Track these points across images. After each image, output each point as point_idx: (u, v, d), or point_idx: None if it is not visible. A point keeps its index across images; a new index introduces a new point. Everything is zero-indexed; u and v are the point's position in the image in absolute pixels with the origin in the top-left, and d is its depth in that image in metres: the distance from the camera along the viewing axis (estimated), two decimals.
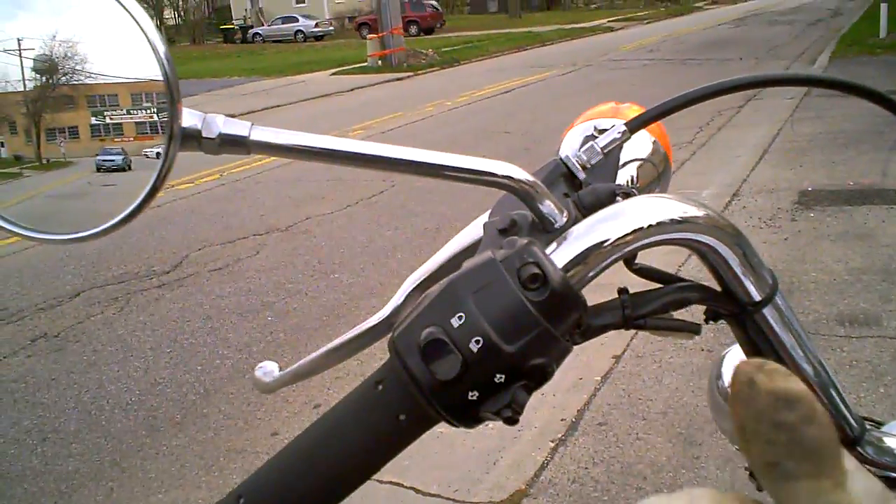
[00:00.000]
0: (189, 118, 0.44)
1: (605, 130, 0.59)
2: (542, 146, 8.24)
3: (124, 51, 0.45)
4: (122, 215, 0.45)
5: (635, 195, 0.49)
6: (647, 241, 0.46)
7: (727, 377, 0.67)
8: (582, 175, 0.56)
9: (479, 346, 0.40)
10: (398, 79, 17.91)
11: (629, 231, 0.45)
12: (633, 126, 0.57)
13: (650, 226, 0.45)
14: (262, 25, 42.01)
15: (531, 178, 0.49)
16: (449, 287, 0.42)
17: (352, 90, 16.35)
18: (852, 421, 0.54)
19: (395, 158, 0.47)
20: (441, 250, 0.63)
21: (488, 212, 0.57)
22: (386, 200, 6.59)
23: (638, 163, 0.65)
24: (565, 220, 0.50)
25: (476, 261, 0.43)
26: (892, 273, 4.01)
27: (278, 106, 14.71)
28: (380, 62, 19.89)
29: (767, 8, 34.34)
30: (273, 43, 37.91)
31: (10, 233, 0.47)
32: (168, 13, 49.89)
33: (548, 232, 0.49)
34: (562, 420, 3.01)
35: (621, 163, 0.62)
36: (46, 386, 3.68)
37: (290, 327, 4.17)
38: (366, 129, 10.73)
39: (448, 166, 0.48)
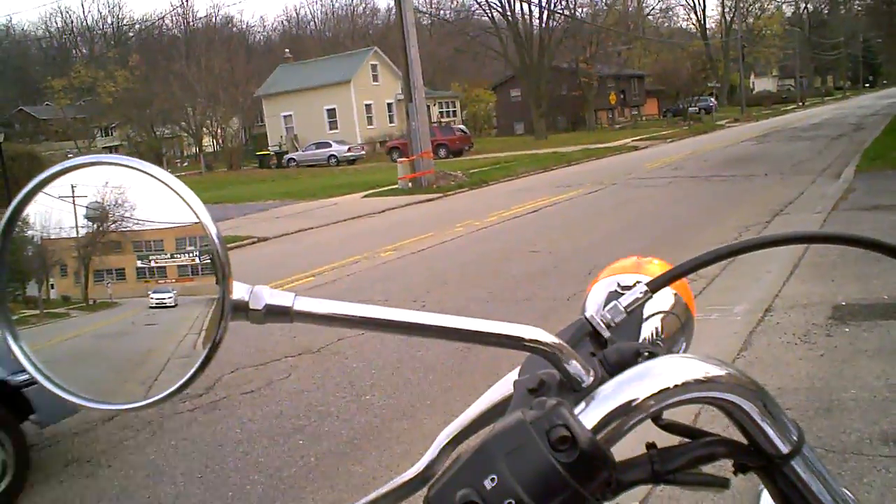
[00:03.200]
0: (237, 290, 0.48)
1: (629, 288, 0.61)
2: (569, 264, 8.30)
3: (168, 200, 0.49)
4: (173, 388, 0.48)
5: (659, 354, 0.51)
6: (672, 400, 0.48)
7: None
8: (607, 334, 0.58)
9: None
10: (428, 200, 18.33)
11: (654, 392, 0.47)
12: (655, 286, 0.59)
13: (674, 386, 0.47)
14: (297, 151, 43.46)
15: (557, 341, 0.51)
16: (482, 448, 0.44)
17: (383, 211, 16.72)
18: None
19: (429, 325, 0.51)
20: (473, 405, 0.64)
21: (518, 368, 0.59)
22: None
23: (661, 315, 0.67)
24: (592, 379, 0.51)
25: (507, 422, 0.45)
26: None
27: (311, 228, 15.03)
28: (410, 184, 20.40)
29: (789, 124, 34.98)
30: (307, 167, 39.09)
31: (63, 399, 0.49)
32: (207, 140, 51.89)
33: (575, 391, 0.51)
34: None
35: (645, 316, 0.64)
36: None
37: (322, 451, 4.13)
38: (398, 250, 10.91)
39: (478, 332, 0.51)
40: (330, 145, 41.40)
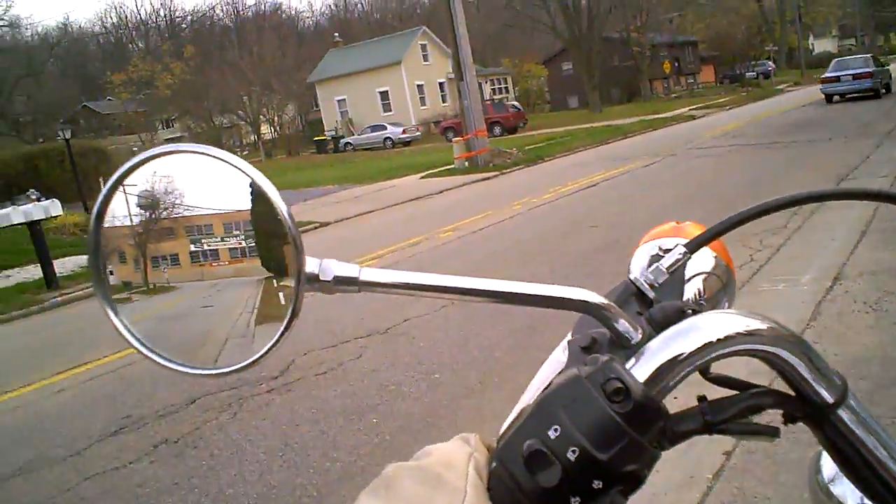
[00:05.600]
0: (309, 264, 0.51)
1: (670, 250, 0.64)
2: (629, 238, 8.19)
3: (216, 186, 0.52)
4: (257, 355, 0.53)
5: (702, 311, 0.54)
6: (716, 353, 0.50)
7: (826, 472, 0.69)
8: (651, 294, 0.61)
9: (576, 455, 0.44)
10: (485, 179, 18.34)
11: (700, 345, 0.49)
12: (693, 247, 0.62)
13: (719, 339, 0.49)
14: (353, 135, 43.74)
15: (605, 301, 0.54)
16: (542, 403, 0.47)
17: (441, 192, 16.79)
18: None
19: (484, 290, 0.54)
20: (529, 386, 0.63)
21: (570, 333, 0.61)
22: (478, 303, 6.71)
23: (702, 276, 0.69)
24: (640, 336, 0.54)
25: (564, 378, 0.48)
26: None
27: (371, 211, 15.20)
28: (466, 164, 20.42)
29: None
30: (363, 151, 39.31)
31: (159, 365, 0.53)
32: (265, 128, 52.60)
33: (625, 348, 0.54)
34: None
35: (686, 277, 0.67)
36: (169, 491, 3.87)
37: (396, 429, 4.27)
38: (457, 230, 11.00)
39: (531, 295, 0.54)
40: (385, 128, 41.55)
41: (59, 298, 10.45)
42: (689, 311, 0.55)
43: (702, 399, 0.52)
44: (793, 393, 0.54)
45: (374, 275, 0.53)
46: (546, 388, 0.49)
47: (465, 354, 5.36)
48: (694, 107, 35.82)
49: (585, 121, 36.27)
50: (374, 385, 5.03)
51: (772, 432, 0.54)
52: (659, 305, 0.57)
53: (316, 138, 46.03)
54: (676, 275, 0.63)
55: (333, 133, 46.05)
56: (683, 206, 10.09)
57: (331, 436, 4.31)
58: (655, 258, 0.66)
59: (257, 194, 0.50)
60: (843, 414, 0.54)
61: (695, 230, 0.72)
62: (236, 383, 5.37)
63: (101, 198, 0.52)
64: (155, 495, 3.85)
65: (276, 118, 51.06)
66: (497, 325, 5.88)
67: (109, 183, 0.52)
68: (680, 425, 0.50)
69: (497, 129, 35.88)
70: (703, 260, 0.70)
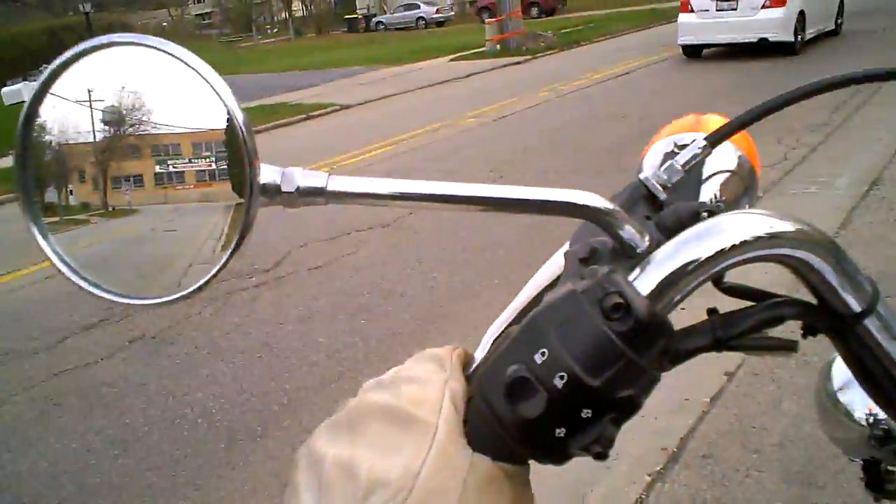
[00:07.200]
0: (268, 174, 0.46)
1: (686, 146, 0.56)
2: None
3: (186, 103, 0.48)
4: (203, 280, 0.47)
5: (719, 212, 0.47)
6: (733, 260, 0.44)
7: (837, 381, 0.69)
8: (663, 195, 0.55)
9: (564, 381, 0.40)
10: (516, 63, 17.61)
11: (715, 251, 0.44)
12: (714, 139, 0.56)
13: (736, 245, 0.44)
14: (385, 14, 42.53)
15: (609, 205, 0.48)
16: (531, 323, 0.42)
17: (468, 76, 16.17)
18: None
19: (473, 196, 0.48)
20: (521, 292, 0.59)
21: (567, 243, 0.56)
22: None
23: (722, 176, 0.62)
24: (647, 244, 0.49)
25: (557, 294, 0.43)
26: None
27: (394, 95, 14.71)
28: (498, 47, 19.62)
29: None
30: (396, 31, 38.32)
31: (93, 295, 0.49)
32: (296, 5, 51.32)
33: (630, 258, 0.49)
34: (662, 450, 2.70)
35: (704, 177, 0.61)
36: (135, 392, 3.68)
37: (383, 333, 4.02)
38: (479, 117, 10.52)
39: (524, 199, 0.48)
40: (418, 6, 40.27)
41: None
42: (705, 212, 0.50)
43: (712, 312, 0.47)
44: (815, 302, 0.49)
45: (345, 184, 0.47)
46: (537, 306, 0.43)
47: (469, 253, 5.06)
48: None
49: (628, 3, 34.68)
50: (367, 283, 4.77)
51: (790, 346, 0.48)
52: (671, 208, 0.52)
53: (347, 16, 44.73)
54: (693, 174, 0.57)
55: (366, 11, 44.79)
56: (724, 96, 9.42)
57: (313, 337, 4.08)
58: (670, 155, 0.59)
59: (224, 107, 0.45)
60: (870, 323, 0.48)
61: (718, 123, 0.63)
62: (225, 276, 5.14)
63: (28, 102, 0.48)
64: (121, 396, 3.66)
65: None
66: (506, 219, 5.54)
67: (38, 84, 0.47)
68: (685, 342, 0.45)
69: (534, 11, 34.70)
70: (725, 157, 0.63)
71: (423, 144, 9.17)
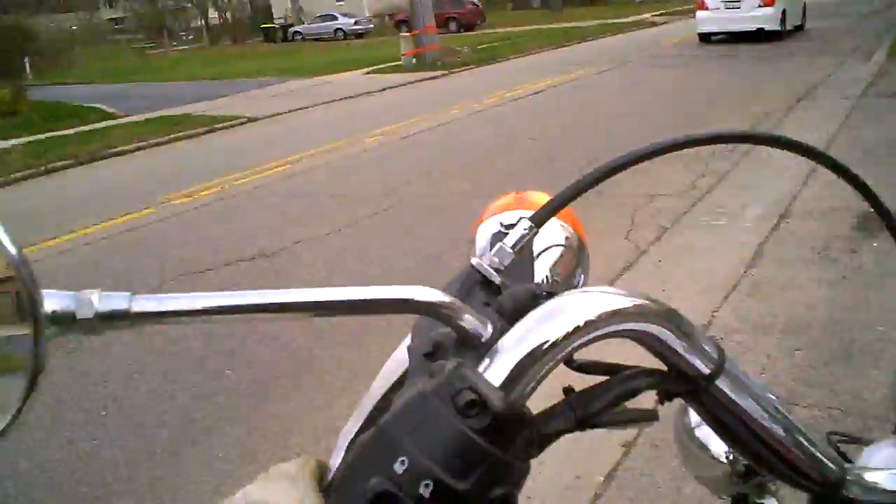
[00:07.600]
0: (58, 301, 0.40)
1: (513, 225, 0.54)
2: (568, 154, 7.52)
3: None
4: None
5: (557, 292, 0.47)
6: (581, 340, 0.43)
7: (694, 418, 0.71)
8: (498, 279, 0.52)
9: (431, 489, 0.37)
10: (431, 78, 17.31)
11: (561, 334, 0.42)
12: (538, 219, 0.54)
13: (580, 326, 0.43)
14: (302, 24, 41.84)
15: (444, 298, 0.45)
16: (382, 430, 0.39)
17: (382, 90, 15.80)
18: (831, 465, 0.52)
19: (297, 303, 0.43)
20: (368, 393, 0.54)
21: (409, 336, 0.53)
22: (381, 220, 5.95)
23: (554, 251, 0.63)
24: (491, 332, 0.46)
25: (407, 396, 0.41)
26: None
27: (304, 108, 14.23)
28: (414, 61, 19.34)
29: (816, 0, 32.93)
30: (313, 41, 37.72)
31: None
32: (212, 12, 50.14)
33: (475, 348, 0.45)
34: None
35: (535, 254, 0.61)
36: None
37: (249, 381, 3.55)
38: (385, 135, 10.10)
39: (354, 300, 0.43)
40: (336, 18, 39.76)
41: None
42: (544, 293, 0.49)
43: (568, 391, 0.46)
44: (666, 369, 0.48)
45: (153, 304, 0.40)
46: (386, 409, 0.41)
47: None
48: (658, 13, 34.50)
49: (546, 21, 35.01)
50: (238, 331, 4.27)
51: (650, 416, 0.48)
52: (508, 292, 0.50)
53: (263, 26, 43.85)
54: (524, 254, 0.54)
55: (283, 21, 43.96)
56: (632, 118, 9.26)
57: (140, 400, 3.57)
58: (498, 236, 0.58)
59: None
60: (721, 383, 0.48)
61: (540, 199, 0.65)
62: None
63: None
64: None
65: (225, 1, 48.52)
66: (404, 250, 5.13)
67: None
68: (548, 427, 0.43)
69: (453, 26, 34.67)
70: (552, 232, 0.63)
71: (319, 164, 8.70)
